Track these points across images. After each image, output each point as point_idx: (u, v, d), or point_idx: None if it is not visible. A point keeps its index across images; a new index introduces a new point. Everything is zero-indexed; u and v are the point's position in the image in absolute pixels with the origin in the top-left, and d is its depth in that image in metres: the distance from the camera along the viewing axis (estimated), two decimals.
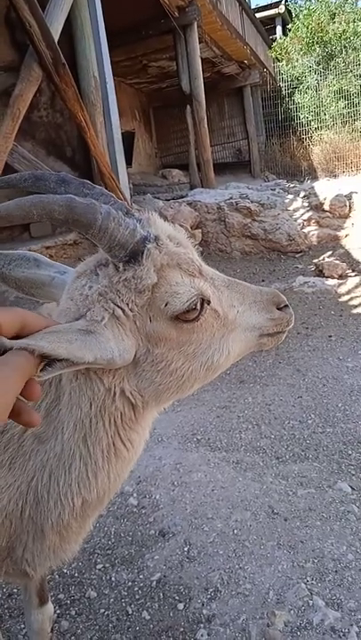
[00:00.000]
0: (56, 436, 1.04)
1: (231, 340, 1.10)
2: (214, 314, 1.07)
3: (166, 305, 0.98)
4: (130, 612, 2.05)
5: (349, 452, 3.18)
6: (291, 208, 9.42)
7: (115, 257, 0.94)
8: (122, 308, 0.95)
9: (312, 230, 9.04)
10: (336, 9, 17.41)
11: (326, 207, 9.11)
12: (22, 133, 6.06)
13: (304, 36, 17.01)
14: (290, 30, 18.39)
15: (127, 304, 0.95)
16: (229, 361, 1.13)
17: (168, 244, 1.00)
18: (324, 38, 16.46)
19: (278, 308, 1.18)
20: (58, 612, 2.05)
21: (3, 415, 0.70)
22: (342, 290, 6.82)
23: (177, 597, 2.09)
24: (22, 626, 1.98)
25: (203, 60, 11.78)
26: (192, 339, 1.04)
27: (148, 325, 0.99)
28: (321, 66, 16.44)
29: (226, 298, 1.10)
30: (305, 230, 9.02)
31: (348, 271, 7.44)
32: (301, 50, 17.09)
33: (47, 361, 0.79)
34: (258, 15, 19.00)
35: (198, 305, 1.01)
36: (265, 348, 1.20)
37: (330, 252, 8.48)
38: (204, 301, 1.03)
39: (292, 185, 11.23)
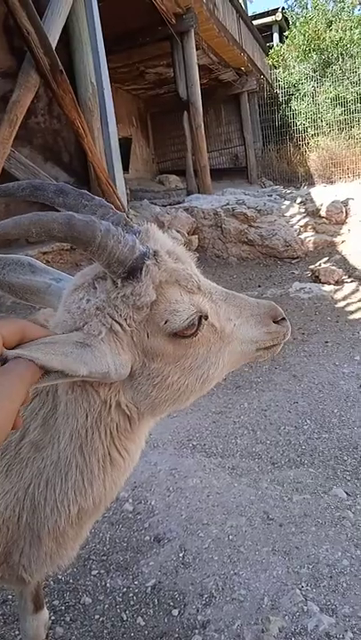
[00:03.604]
0: (53, 444, 1.05)
1: (227, 353, 1.11)
2: (211, 328, 1.07)
3: (166, 322, 0.98)
4: (125, 619, 2.05)
5: (345, 457, 3.19)
6: (287, 214, 9.45)
7: (113, 273, 0.94)
8: (120, 323, 0.95)
9: (308, 236, 9.06)
10: (333, 17, 17.60)
11: (323, 213, 9.14)
12: (20, 139, 6.09)
13: (301, 43, 17.18)
14: (287, 37, 18.54)
15: (125, 319, 0.95)
16: (224, 373, 1.14)
17: (167, 259, 1.00)
18: (320, 46, 16.63)
19: (275, 321, 1.18)
20: (52, 618, 2.04)
21: (9, 423, 0.71)
22: (338, 296, 6.86)
23: (172, 603, 2.09)
24: (17, 632, 1.97)
25: (200, 66, 11.86)
26: (189, 353, 1.04)
27: (145, 341, 0.99)
28: (318, 73, 16.58)
29: (223, 312, 1.10)
30: (301, 236, 9.04)
31: (344, 277, 7.47)
32: (298, 57, 17.24)
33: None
34: (255, 22, 19.14)
35: (196, 321, 1.01)
36: (261, 360, 1.21)
37: (326, 258, 8.50)
38: (202, 317, 1.03)
39: (288, 191, 11.27)
